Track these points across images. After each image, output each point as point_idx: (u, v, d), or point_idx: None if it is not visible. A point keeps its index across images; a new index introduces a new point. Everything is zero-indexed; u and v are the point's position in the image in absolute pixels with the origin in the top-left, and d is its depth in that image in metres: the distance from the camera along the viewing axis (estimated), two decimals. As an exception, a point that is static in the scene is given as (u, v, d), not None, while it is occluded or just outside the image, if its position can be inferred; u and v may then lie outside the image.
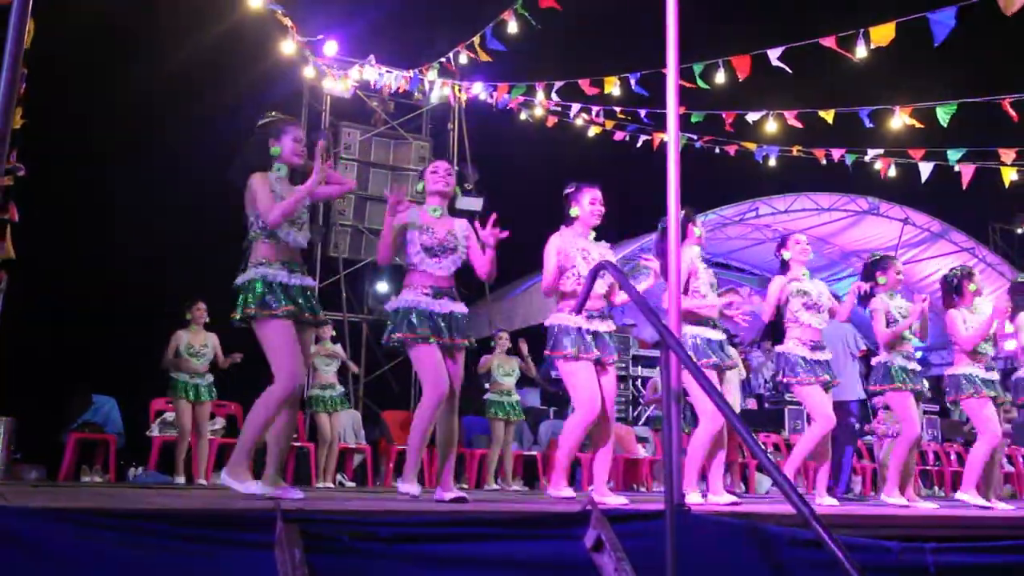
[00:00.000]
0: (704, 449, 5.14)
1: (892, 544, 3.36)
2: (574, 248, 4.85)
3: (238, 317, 4.09)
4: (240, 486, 3.93)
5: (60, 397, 8.77)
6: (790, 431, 11.99)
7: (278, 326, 4.03)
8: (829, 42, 6.51)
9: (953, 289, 6.24)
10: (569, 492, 4.76)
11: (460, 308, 4.58)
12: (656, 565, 2.76)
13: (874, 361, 6.17)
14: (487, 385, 9.19)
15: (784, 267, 5.90)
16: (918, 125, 8.00)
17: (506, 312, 13.15)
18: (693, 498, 4.83)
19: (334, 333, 9.10)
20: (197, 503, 3.49)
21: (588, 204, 4.92)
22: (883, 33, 6.01)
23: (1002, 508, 5.89)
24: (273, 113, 4.38)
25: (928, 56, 5.53)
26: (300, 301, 4.11)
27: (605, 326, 4.83)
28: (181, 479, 7.91)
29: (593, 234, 4.99)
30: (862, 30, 6.25)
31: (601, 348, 4.76)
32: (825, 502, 5.55)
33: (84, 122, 9.93)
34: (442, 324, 4.46)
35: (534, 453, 10.11)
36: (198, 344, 7.94)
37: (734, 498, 5.15)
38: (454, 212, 4.92)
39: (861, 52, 6.32)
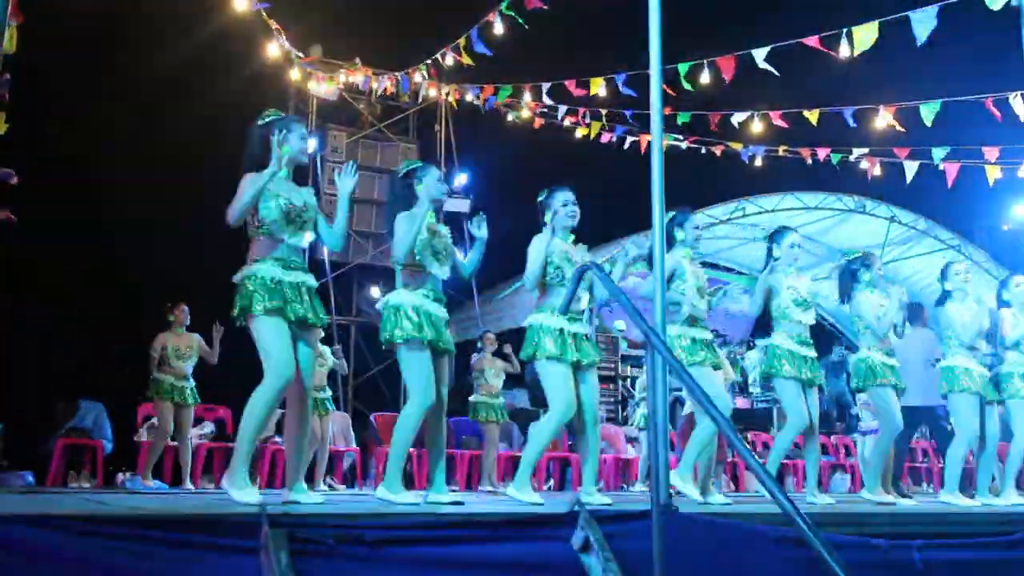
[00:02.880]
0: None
1: (880, 541, 3.38)
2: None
3: (234, 314, 4.05)
4: (238, 493, 3.87)
5: (47, 403, 8.72)
6: (779, 430, 12.02)
7: (267, 322, 3.98)
8: (813, 42, 6.54)
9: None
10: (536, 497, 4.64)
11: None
12: (643, 565, 2.77)
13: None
14: (478, 386, 9.13)
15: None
16: (899, 128, 8.06)
17: (495, 313, 13.16)
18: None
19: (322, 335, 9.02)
20: (183, 508, 3.48)
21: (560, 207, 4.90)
22: (866, 33, 6.04)
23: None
24: (273, 111, 4.36)
25: (911, 56, 5.56)
26: (293, 298, 4.08)
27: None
28: (153, 482, 7.76)
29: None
30: (845, 30, 6.28)
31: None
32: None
33: (72, 127, 9.88)
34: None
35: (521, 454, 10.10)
36: (183, 346, 7.86)
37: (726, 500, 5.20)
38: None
39: (845, 52, 6.34)
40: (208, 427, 8.95)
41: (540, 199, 4.96)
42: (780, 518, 2.49)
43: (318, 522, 2.67)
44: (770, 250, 5.83)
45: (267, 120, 4.28)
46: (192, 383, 7.86)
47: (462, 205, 12.10)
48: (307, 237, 4.24)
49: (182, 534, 2.48)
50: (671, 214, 5.34)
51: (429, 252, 4.48)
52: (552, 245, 4.79)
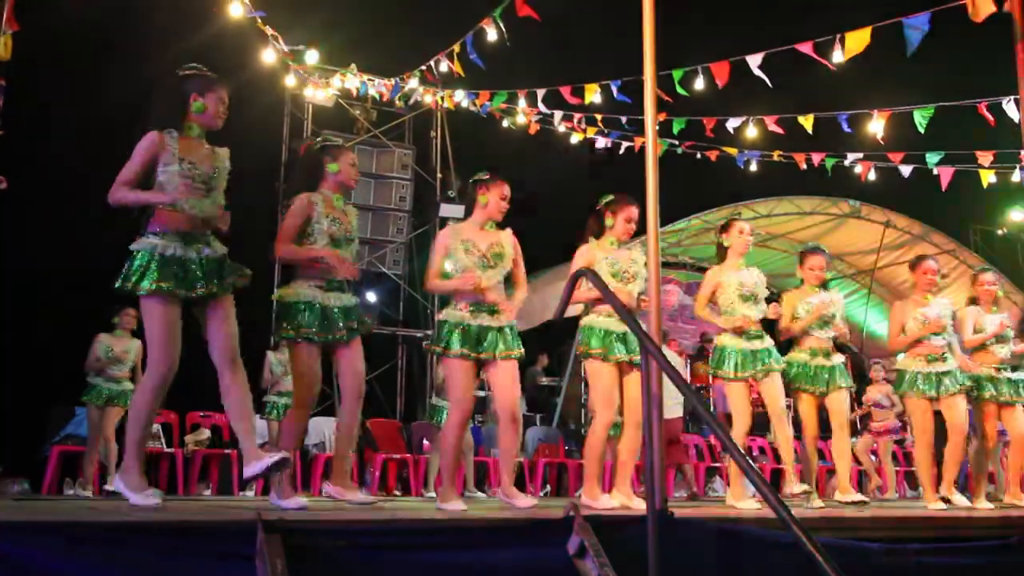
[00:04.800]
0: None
1: (875, 545, 3.38)
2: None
3: (118, 286, 3.78)
4: (135, 495, 3.78)
5: (43, 410, 8.71)
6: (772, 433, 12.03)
7: (155, 305, 3.74)
8: (806, 48, 6.56)
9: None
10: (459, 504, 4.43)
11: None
12: (640, 570, 2.77)
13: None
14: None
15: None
16: (882, 137, 8.10)
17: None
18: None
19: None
20: (178, 515, 3.48)
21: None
22: (859, 39, 6.06)
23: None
24: (196, 65, 4.00)
25: (905, 61, 5.58)
26: (191, 275, 3.76)
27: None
28: (87, 491, 7.64)
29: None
30: (838, 36, 6.30)
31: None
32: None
33: (63, 132, 9.87)
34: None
35: (520, 460, 10.12)
36: (119, 350, 7.80)
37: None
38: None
39: (838, 58, 6.36)
40: (204, 433, 8.95)
41: (483, 179, 4.76)
42: (775, 523, 2.50)
43: (314, 528, 2.67)
44: (720, 243, 5.86)
45: (186, 73, 3.95)
46: (126, 386, 7.76)
47: (458, 211, 12.10)
48: (214, 204, 3.89)
49: (177, 541, 2.48)
50: (609, 198, 5.18)
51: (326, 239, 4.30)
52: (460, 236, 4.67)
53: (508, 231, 4.77)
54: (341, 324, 4.29)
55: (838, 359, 5.95)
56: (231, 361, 3.87)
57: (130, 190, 3.80)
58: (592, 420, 5.16)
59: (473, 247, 4.61)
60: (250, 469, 3.75)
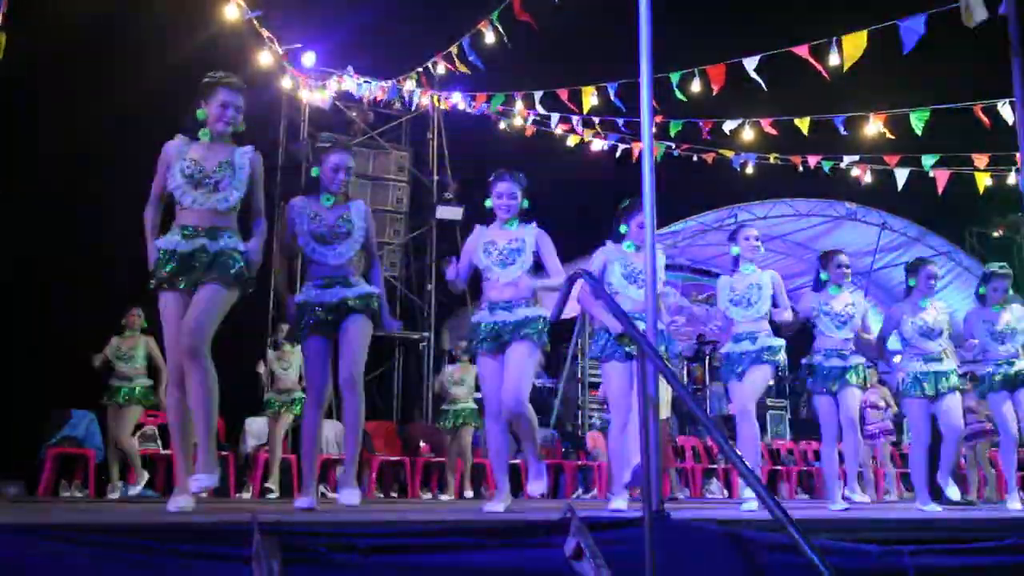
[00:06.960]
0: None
1: (871, 548, 3.38)
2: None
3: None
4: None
5: (38, 412, 8.68)
6: (772, 436, 12.07)
7: (160, 297, 3.91)
8: (802, 51, 6.58)
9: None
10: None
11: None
12: (636, 572, 2.77)
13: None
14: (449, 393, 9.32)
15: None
16: (889, 136, 8.11)
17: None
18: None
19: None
20: (174, 516, 3.48)
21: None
22: (855, 42, 6.07)
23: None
24: (212, 73, 4.03)
25: (901, 64, 5.59)
26: (185, 266, 3.86)
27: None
28: (113, 494, 7.78)
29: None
30: (835, 39, 6.32)
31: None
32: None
33: (59, 137, 9.85)
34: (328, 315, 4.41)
35: (516, 461, 10.09)
36: (126, 348, 7.87)
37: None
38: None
39: (834, 61, 6.38)
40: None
41: (489, 181, 4.88)
42: (772, 524, 2.50)
43: (310, 530, 2.67)
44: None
45: (203, 81, 4.02)
46: (141, 382, 7.83)
47: (455, 213, 12.10)
48: (222, 197, 3.94)
49: (173, 543, 2.47)
50: (625, 203, 5.16)
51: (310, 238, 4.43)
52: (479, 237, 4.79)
53: (531, 226, 4.81)
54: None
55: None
56: (186, 352, 3.79)
57: (153, 214, 4.01)
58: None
59: (492, 247, 4.72)
60: (197, 483, 3.82)
